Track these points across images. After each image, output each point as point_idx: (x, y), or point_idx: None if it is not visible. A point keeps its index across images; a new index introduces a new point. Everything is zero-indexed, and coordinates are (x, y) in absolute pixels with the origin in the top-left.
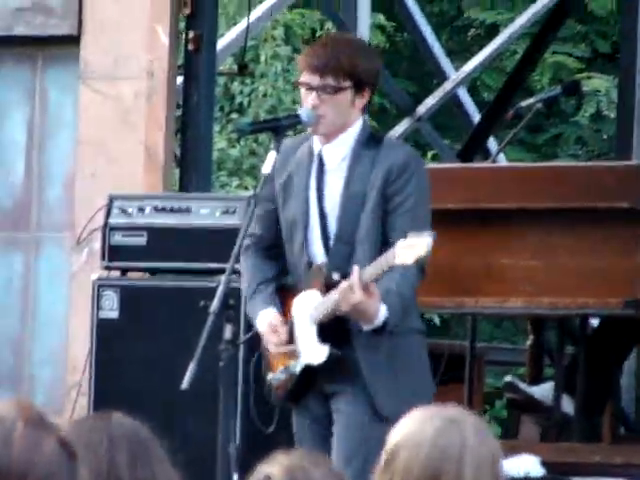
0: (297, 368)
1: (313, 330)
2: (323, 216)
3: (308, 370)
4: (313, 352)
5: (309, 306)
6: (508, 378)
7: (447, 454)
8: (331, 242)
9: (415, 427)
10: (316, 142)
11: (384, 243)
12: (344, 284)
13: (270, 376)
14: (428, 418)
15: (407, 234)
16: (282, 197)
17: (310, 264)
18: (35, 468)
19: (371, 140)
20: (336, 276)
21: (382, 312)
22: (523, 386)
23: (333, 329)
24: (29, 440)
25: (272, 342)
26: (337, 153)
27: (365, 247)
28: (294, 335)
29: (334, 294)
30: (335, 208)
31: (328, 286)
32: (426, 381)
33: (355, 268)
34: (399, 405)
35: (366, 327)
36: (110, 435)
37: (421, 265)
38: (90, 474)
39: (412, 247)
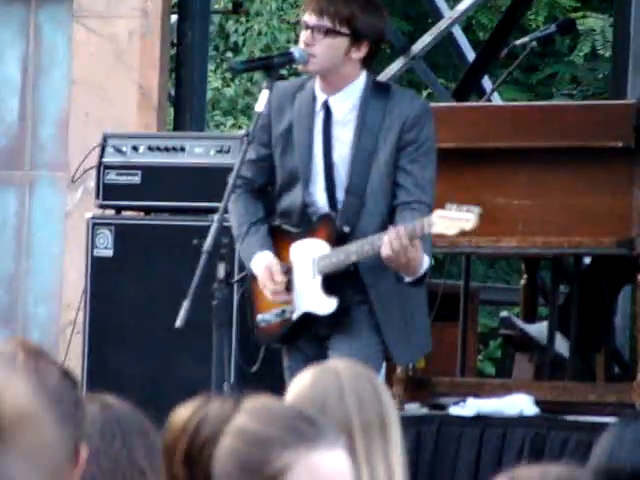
0: (294, 314)
1: (318, 280)
2: (330, 167)
3: (306, 317)
4: (318, 302)
5: (313, 255)
6: (504, 313)
7: (327, 392)
8: (339, 193)
9: (296, 384)
10: (319, 92)
11: (394, 193)
12: (395, 242)
13: (260, 317)
14: (304, 374)
15: (418, 181)
16: (281, 145)
17: (309, 213)
18: (41, 395)
19: (379, 90)
20: (347, 229)
21: (425, 263)
22: (519, 322)
23: (341, 281)
24: (32, 368)
25: (269, 288)
26: (345, 104)
27: (378, 200)
28: (292, 281)
29: (346, 255)
30: (344, 160)
31: (338, 238)
32: (428, 329)
33: (399, 229)
34: (411, 354)
35: (408, 278)
36: (123, 429)
37: (431, 206)
38: (108, 463)
39: (454, 220)
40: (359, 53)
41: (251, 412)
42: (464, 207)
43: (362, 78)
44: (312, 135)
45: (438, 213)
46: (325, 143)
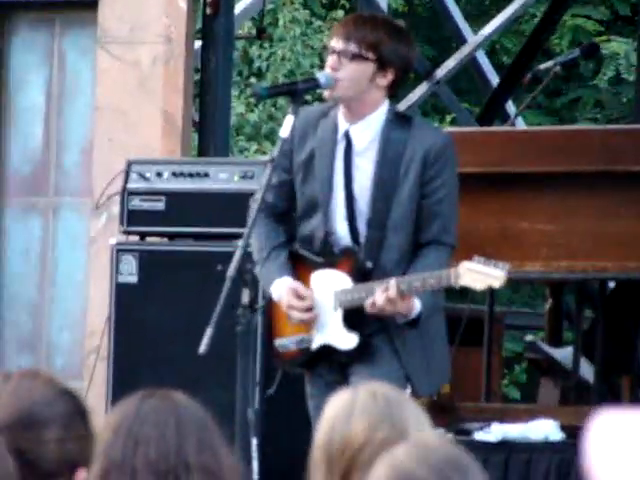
0: (314, 344)
1: (339, 314)
2: (350, 197)
3: (325, 347)
4: (338, 337)
5: (335, 287)
6: (530, 338)
7: (338, 411)
8: (359, 224)
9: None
10: (341, 121)
11: (416, 229)
12: (380, 297)
13: (278, 342)
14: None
15: (442, 222)
16: (302, 172)
17: (330, 242)
18: (23, 406)
19: (400, 121)
20: (369, 264)
21: (416, 308)
22: (545, 347)
23: (362, 316)
24: (22, 385)
25: (297, 307)
26: (366, 134)
27: (399, 233)
28: (313, 309)
29: (367, 292)
30: (365, 191)
31: (360, 273)
32: (447, 359)
33: (393, 282)
34: (431, 384)
35: (399, 320)
36: (178, 418)
37: (454, 246)
38: (156, 454)
39: (482, 274)
40: (385, 79)
41: (409, 449)
42: (492, 262)
43: (384, 107)
44: (333, 164)
45: (465, 265)
46: (346, 173)
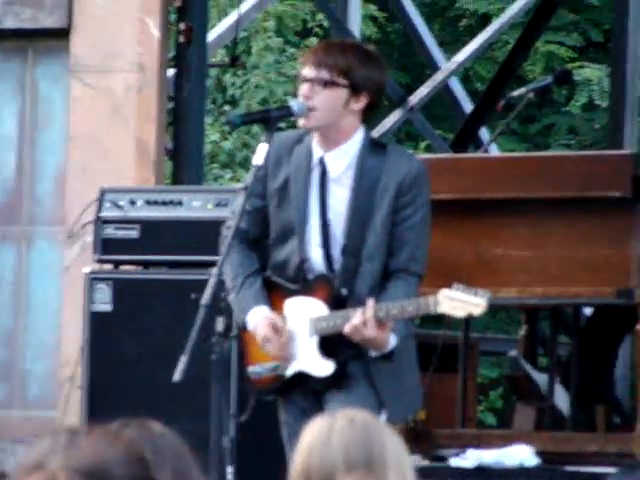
0: (288, 371)
1: (314, 341)
2: (325, 224)
3: (300, 374)
4: (314, 364)
5: (310, 315)
6: (513, 353)
7: (314, 438)
8: (334, 251)
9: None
10: (316, 147)
11: (388, 256)
12: (357, 317)
13: (250, 369)
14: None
15: (412, 250)
16: (277, 198)
17: (304, 269)
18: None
19: (375, 148)
20: (345, 292)
21: (392, 342)
22: (526, 365)
23: (337, 343)
24: (103, 440)
25: (274, 342)
26: (341, 162)
27: (374, 261)
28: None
29: (343, 319)
30: (340, 218)
31: (335, 300)
32: (418, 385)
33: (370, 303)
34: (404, 410)
35: (374, 353)
36: (154, 447)
37: (422, 275)
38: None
39: (462, 301)
40: (358, 104)
41: None
42: (472, 290)
43: (359, 135)
44: (308, 191)
45: (444, 293)
46: (321, 200)
